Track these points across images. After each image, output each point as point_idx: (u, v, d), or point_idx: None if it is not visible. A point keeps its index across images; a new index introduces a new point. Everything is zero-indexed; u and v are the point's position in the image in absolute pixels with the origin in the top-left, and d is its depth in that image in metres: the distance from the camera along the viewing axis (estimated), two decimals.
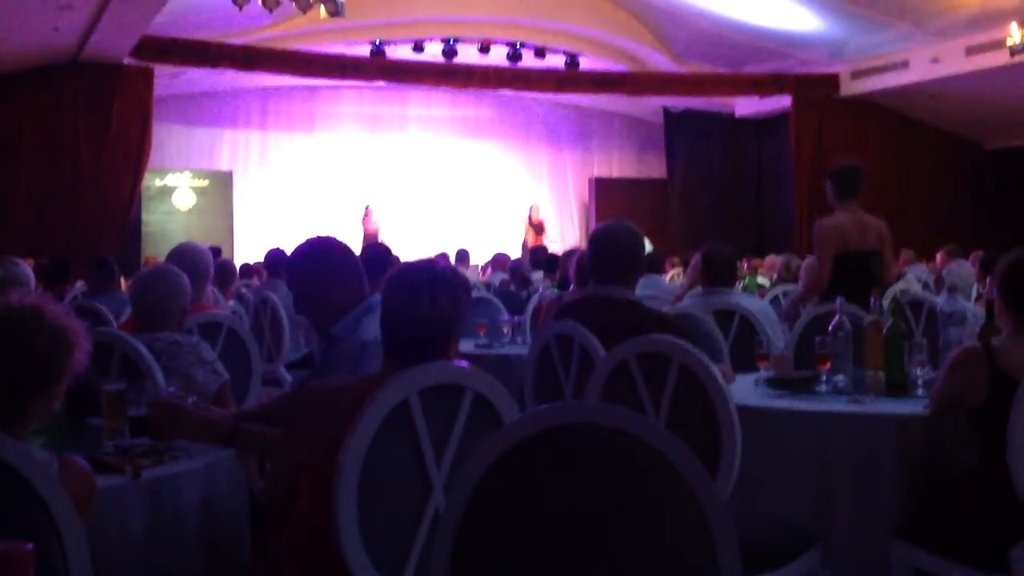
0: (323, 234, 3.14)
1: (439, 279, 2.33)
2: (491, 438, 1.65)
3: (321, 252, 3.03)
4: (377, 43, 14.91)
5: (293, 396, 2.73)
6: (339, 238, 3.14)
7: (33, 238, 12.36)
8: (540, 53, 15.57)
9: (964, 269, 7.93)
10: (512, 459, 1.61)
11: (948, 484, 2.86)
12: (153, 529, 2.28)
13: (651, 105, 17.90)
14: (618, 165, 19.40)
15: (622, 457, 1.59)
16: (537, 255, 10.42)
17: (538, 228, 16.83)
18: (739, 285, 6.53)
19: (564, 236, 17.93)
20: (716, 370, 2.78)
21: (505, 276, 9.27)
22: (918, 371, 3.29)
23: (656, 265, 7.82)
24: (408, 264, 2.45)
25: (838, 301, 3.51)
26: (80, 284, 8.40)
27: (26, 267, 5.08)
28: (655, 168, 18.90)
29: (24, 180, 12.81)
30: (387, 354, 2.37)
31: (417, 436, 2.09)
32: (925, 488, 2.91)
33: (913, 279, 8.16)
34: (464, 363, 2.22)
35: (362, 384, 2.23)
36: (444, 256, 9.89)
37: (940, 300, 4.33)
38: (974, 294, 7.42)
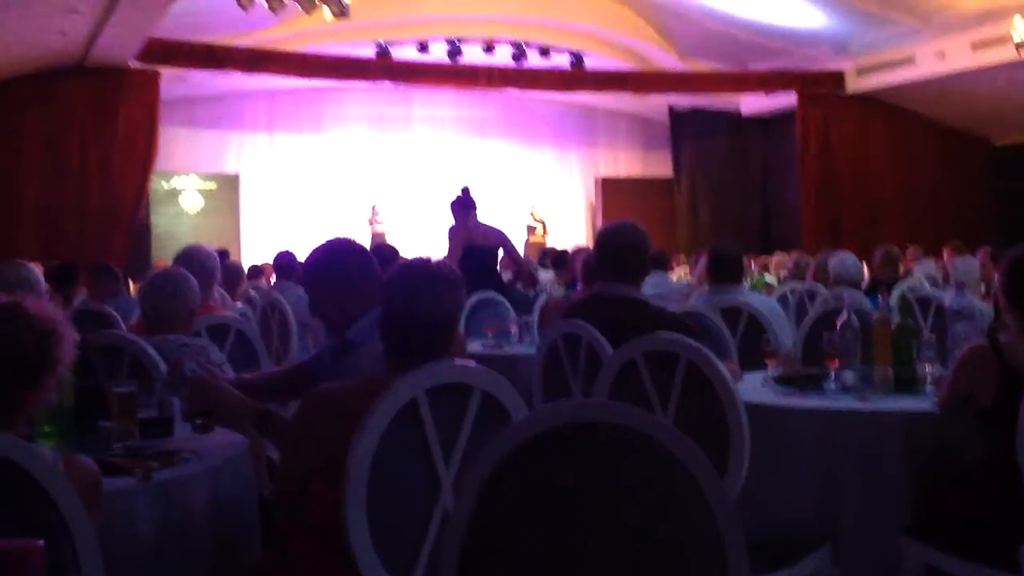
0: (337, 236, 3.07)
1: (438, 277, 2.30)
2: (500, 436, 1.65)
3: (340, 255, 2.97)
4: (382, 44, 14.94)
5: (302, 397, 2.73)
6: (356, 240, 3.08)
7: (42, 242, 12.41)
8: (545, 52, 15.57)
9: (969, 265, 7.90)
10: (521, 457, 1.61)
11: (957, 481, 2.85)
12: (163, 531, 2.27)
13: (657, 104, 17.89)
14: (624, 164, 19.39)
15: (630, 455, 1.59)
16: (547, 255, 10.44)
17: (538, 228, 16.86)
18: (746, 283, 6.51)
19: (571, 236, 17.92)
20: (724, 368, 2.77)
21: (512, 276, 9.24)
22: (927, 368, 3.29)
23: (663, 263, 7.82)
24: (404, 264, 2.39)
25: (846, 298, 3.50)
26: None
27: (36, 270, 5.09)
28: (661, 167, 18.89)
29: (32, 185, 12.86)
30: (391, 356, 2.34)
31: (426, 435, 2.09)
32: (934, 485, 2.91)
33: (921, 276, 8.14)
34: (471, 362, 2.21)
35: (369, 386, 2.22)
36: None
37: (948, 297, 4.32)
38: (981, 290, 7.40)
